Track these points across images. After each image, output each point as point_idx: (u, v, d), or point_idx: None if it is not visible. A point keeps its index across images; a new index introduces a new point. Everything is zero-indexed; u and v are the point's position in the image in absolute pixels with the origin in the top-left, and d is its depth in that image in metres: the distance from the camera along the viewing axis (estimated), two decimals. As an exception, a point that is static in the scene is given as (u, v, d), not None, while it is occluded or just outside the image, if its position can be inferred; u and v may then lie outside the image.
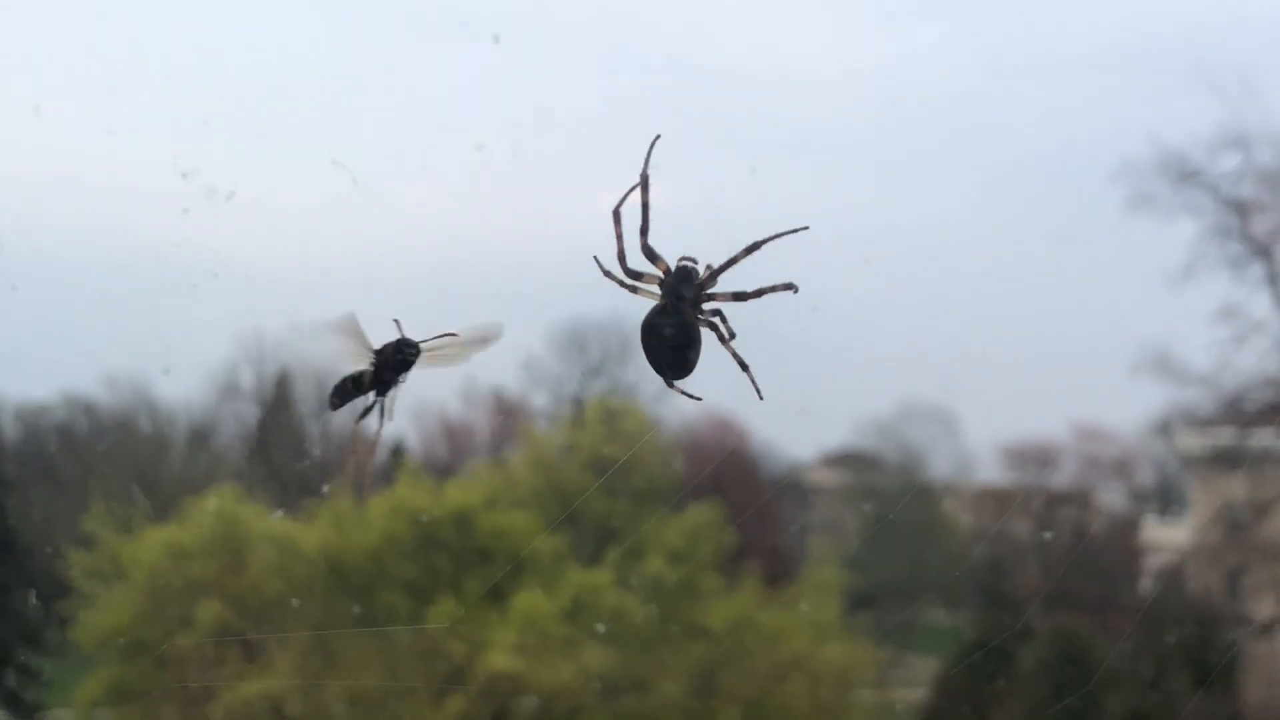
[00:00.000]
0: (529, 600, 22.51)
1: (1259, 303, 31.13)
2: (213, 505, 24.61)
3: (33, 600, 29.08)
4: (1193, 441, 36.23)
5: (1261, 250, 28.18)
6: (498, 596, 24.10)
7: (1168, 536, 64.29)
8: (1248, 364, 30.24)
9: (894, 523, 77.67)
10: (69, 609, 25.91)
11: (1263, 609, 34.50)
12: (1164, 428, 37.58)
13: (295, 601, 24.14)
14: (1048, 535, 49.84)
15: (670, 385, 3.83)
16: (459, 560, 24.89)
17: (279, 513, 25.23)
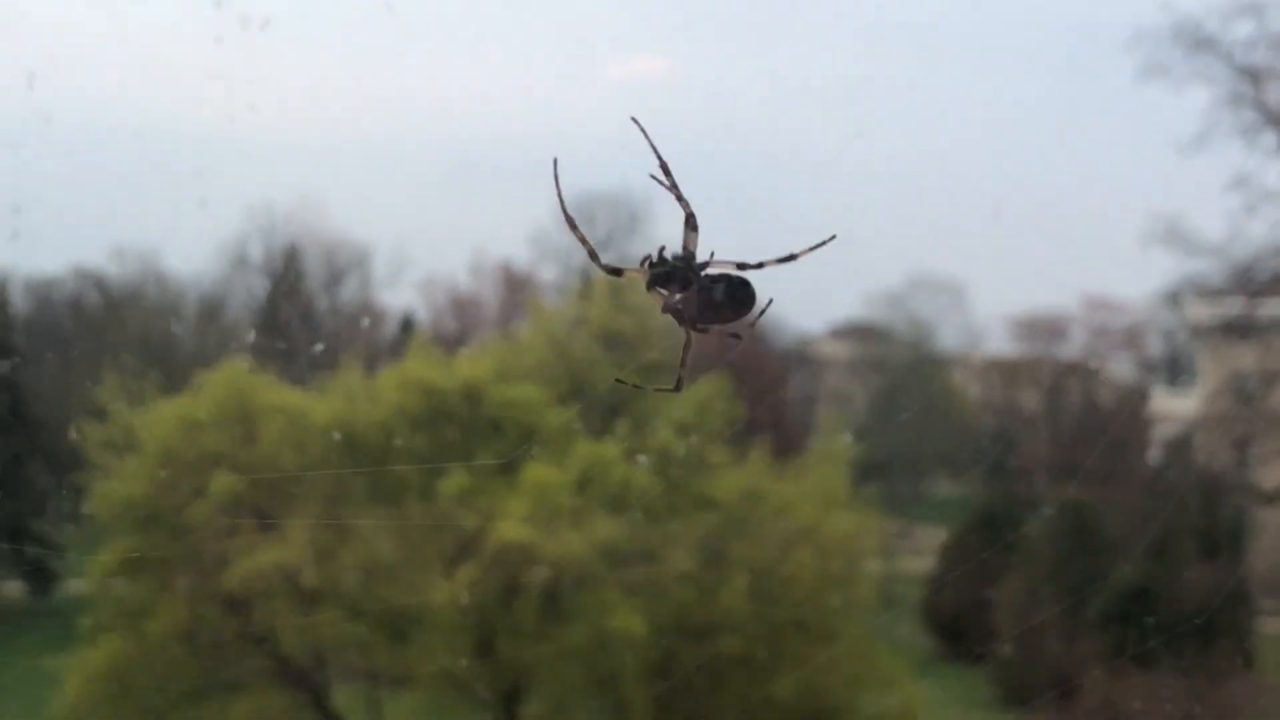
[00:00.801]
0: (539, 473, 22.64)
1: (1271, 171, 30.81)
2: (225, 377, 24.68)
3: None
4: (1202, 311, 36.23)
5: (1275, 119, 28.02)
6: (508, 469, 24.25)
7: (1176, 407, 64.49)
8: (1259, 233, 30.12)
9: (902, 394, 78.07)
10: (83, 481, 26.07)
11: (1270, 478, 34.70)
12: (1173, 298, 37.57)
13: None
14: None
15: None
16: (469, 432, 25.01)
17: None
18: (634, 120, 3.74)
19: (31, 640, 44.95)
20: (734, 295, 3.95)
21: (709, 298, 3.91)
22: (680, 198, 3.86)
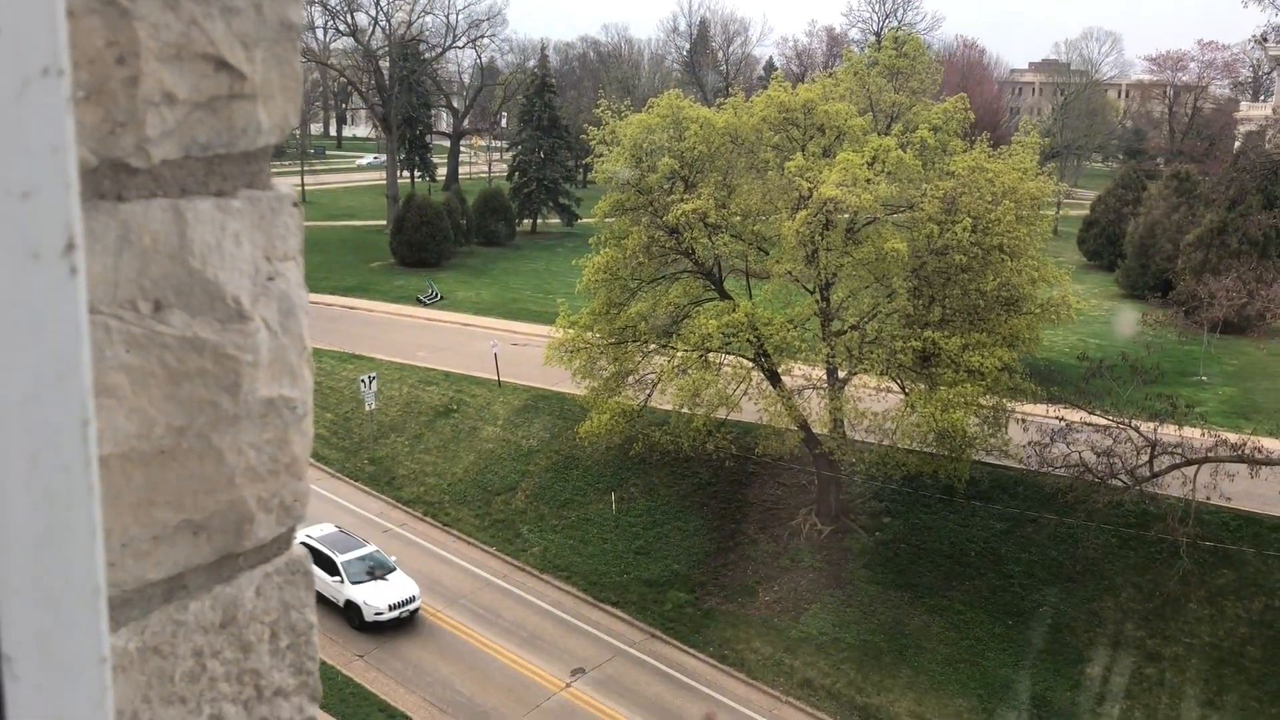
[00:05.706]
0: (845, 156, 21.80)
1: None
2: (666, 101, 24.42)
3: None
4: (1278, 49, 32.24)
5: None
6: (827, 154, 23.42)
7: (1256, 113, 57.85)
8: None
9: (1074, 105, 72.11)
10: (590, 161, 26.36)
11: (1316, 157, 31.41)
12: (1261, 39, 33.72)
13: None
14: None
15: None
16: (805, 132, 24.19)
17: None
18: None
19: (565, 249, 47.24)
20: None
21: None
22: None
